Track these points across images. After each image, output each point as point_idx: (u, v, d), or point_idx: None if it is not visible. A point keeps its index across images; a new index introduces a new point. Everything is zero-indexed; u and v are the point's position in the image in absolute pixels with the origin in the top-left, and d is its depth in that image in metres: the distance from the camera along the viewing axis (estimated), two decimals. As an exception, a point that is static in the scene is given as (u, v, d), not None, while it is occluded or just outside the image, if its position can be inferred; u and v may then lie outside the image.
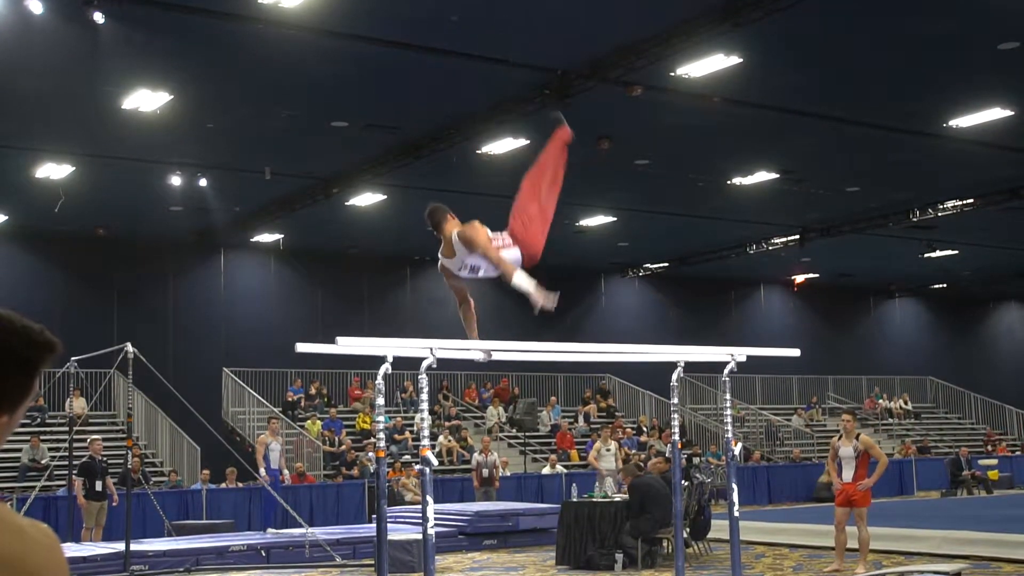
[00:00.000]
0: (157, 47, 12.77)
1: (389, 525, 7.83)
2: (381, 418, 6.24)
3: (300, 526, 14.20)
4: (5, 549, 1.52)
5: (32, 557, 1.55)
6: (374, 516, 7.17)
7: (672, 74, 13.86)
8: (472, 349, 6.41)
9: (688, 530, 12.46)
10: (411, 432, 21.85)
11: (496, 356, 6.36)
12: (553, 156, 6.06)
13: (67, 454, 14.48)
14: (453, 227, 5.88)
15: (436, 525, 6.21)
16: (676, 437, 7.72)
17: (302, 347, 6.31)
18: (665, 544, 12.55)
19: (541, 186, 5.97)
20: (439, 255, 5.94)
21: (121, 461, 17.33)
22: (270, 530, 14.83)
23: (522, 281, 5.49)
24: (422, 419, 5.97)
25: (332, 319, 23.98)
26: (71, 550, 12.48)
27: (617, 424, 25.14)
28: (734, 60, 13.43)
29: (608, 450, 17.62)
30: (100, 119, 15.13)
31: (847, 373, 31.84)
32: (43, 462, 18.61)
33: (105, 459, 15.21)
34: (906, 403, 31.74)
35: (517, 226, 5.88)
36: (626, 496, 13.29)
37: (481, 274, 5.84)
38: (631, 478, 12.60)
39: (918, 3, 12.40)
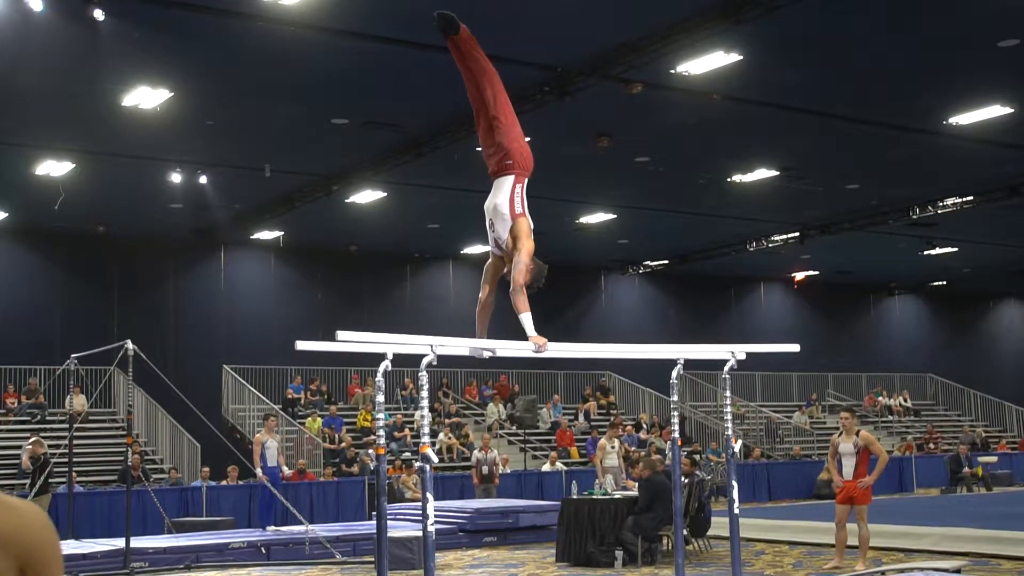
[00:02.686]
0: (157, 44, 12.77)
1: (389, 522, 7.84)
2: (381, 415, 6.24)
3: (300, 523, 14.20)
4: (2, 526, 1.54)
5: (28, 533, 1.56)
6: (374, 513, 7.18)
7: (672, 71, 13.86)
8: (473, 346, 6.41)
9: (688, 527, 12.47)
10: (411, 429, 21.86)
11: (496, 353, 6.36)
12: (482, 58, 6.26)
13: (67, 451, 14.48)
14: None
15: (436, 522, 6.21)
16: (676, 434, 7.72)
17: (302, 345, 6.31)
18: (665, 541, 12.57)
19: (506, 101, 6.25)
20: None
21: (121, 458, 17.36)
22: (270, 527, 14.84)
23: (527, 323, 6.00)
24: (422, 416, 5.97)
25: (332, 316, 23.96)
26: (70, 547, 12.49)
27: (618, 421, 25.13)
28: (734, 57, 13.43)
29: (613, 448, 17.54)
30: (100, 116, 15.13)
31: (847, 370, 31.84)
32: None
33: (47, 453, 15.21)
34: (906, 400, 31.74)
35: (524, 161, 6.23)
36: (627, 493, 13.32)
37: (492, 243, 6.26)
38: (649, 471, 12.60)
39: (918, 0, 12.40)
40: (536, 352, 6.12)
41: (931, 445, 27.26)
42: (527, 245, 6.00)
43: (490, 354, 6.29)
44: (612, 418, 23.94)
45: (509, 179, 6.15)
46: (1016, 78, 14.88)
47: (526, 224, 6.08)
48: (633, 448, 22.20)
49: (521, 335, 6.20)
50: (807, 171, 19.50)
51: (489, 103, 6.16)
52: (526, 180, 6.20)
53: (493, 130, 6.19)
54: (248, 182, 19.03)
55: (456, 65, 6.33)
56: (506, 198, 6.12)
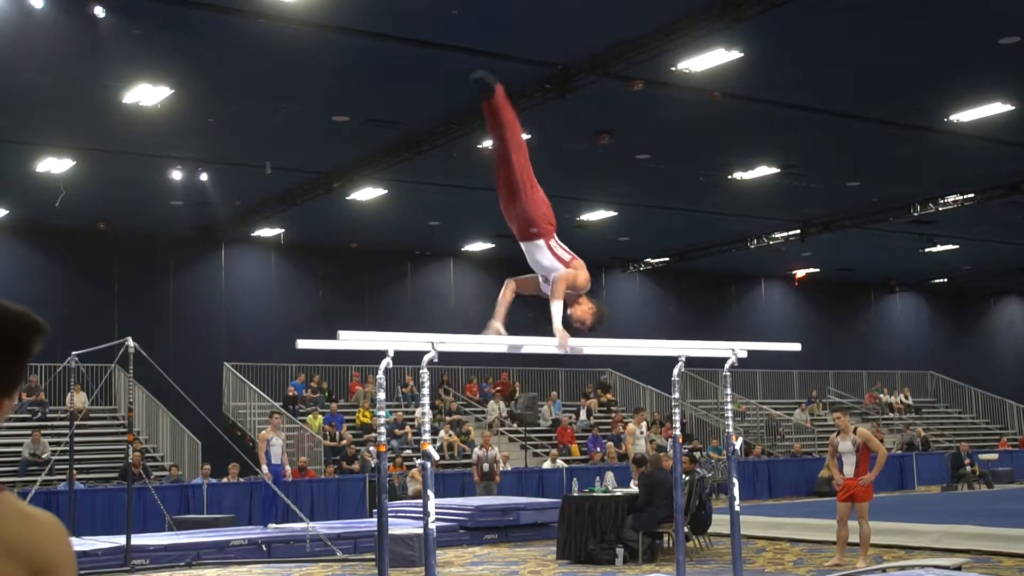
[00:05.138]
0: (158, 41, 12.77)
1: (390, 519, 7.84)
2: (382, 413, 6.23)
3: (301, 521, 14.21)
4: (16, 536, 1.54)
5: (43, 544, 1.56)
6: (375, 511, 7.17)
7: (673, 69, 13.86)
8: (474, 344, 6.42)
9: (689, 525, 12.48)
10: (412, 427, 21.87)
11: (497, 350, 6.36)
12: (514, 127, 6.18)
13: (68, 448, 14.48)
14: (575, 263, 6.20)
15: (437, 520, 6.21)
16: (677, 432, 7.71)
17: (303, 343, 6.30)
18: (666, 538, 12.57)
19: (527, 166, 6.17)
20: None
21: (122, 456, 17.36)
22: (271, 525, 14.84)
23: (556, 313, 6.00)
24: (423, 413, 5.97)
25: (333, 314, 24.00)
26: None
27: (618, 418, 25.15)
28: (735, 55, 13.42)
29: (642, 433, 16.94)
30: (101, 113, 15.12)
31: (848, 368, 31.84)
32: (44, 456, 18.63)
33: None
34: (907, 398, 31.74)
35: (549, 224, 6.16)
36: (628, 490, 13.33)
37: (543, 283, 6.23)
38: (653, 468, 12.61)
39: (919, -3, 12.40)
40: (559, 348, 6.10)
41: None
42: (581, 278, 6.08)
43: (505, 350, 6.30)
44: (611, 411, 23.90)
45: (540, 243, 6.10)
46: (1017, 76, 14.86)
47: (579, 263, 6.12)
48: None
49: (523, 332, 6.19)
50: (808, 168, 19.49)
51: (515, 170, 6.08)
52: (555, 234, 6.18)
53: (515, 195, 6.11)
54: (249, 179, 19.03)
55: (485, 118, 6.23)
56: (549, 257, 6.08)
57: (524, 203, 6.07)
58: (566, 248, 6.19)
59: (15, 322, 1.64)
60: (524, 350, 6.46)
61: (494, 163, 6.24)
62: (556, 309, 5.98)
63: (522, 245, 6.18)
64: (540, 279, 6.23)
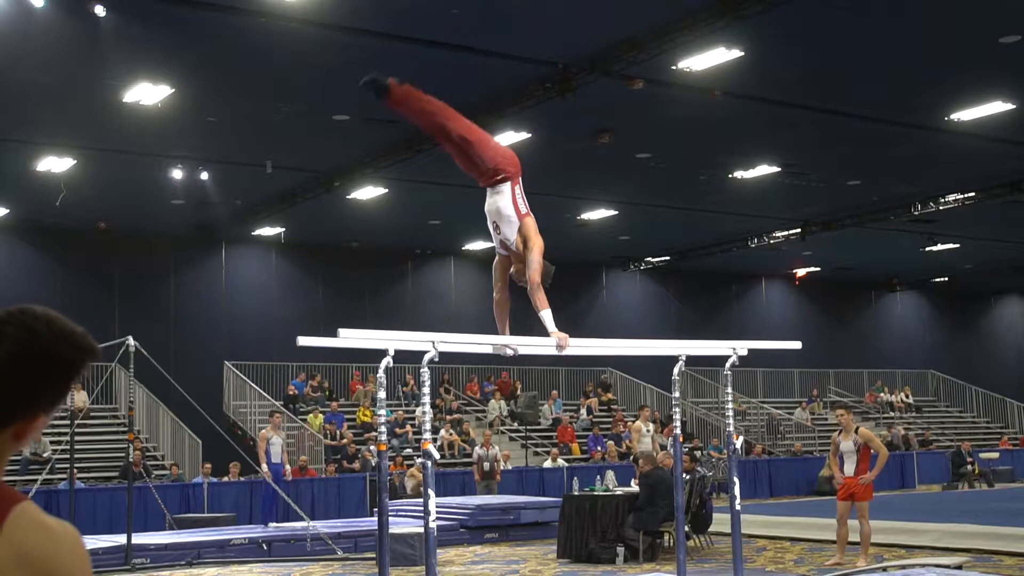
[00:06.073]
0: (158, 40, 12.77)
1: (390, 518, 7.83)
2: (382, 412, 6.24)
3: (302, 520, 14.21)
4: (35, 548, 1.53)
5: (60, 558, 1.55)
6: (375, 510, 7.18)
7: (673, 67, 13.85)
8: (474, 344, 6.42)
9: (689, 523, 12.47)
10: (412, 426, 21.87)
11: (519, 352, 6.36)
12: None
13: (68, 447, 14.48)
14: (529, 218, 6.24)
15: (438, 519, 6.21)
16: (678, 431, 7.72)
17: (304, 340, 6.31)
18: (667, 537, 12.57)
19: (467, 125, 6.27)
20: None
21: (123, 455, 17.37)
22: (271, 524, 14.84)
23: (547, 320, 6.03)
24: (423, 412, 5.97)
25: (333, 313, 23.97)
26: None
27: (619, 417, 25.15)
28: (735, 54, 13.42)
29: (648, 431, 16.71)
30: (101, 112, 15.12)
31: (848, 367, 31.84)
32: (45, 455, 18.63)
33: None
34: (907, 397, 31.73)
35: (512, 165, 6.24)
36: (628, 490, 13.34)
37: (498, 243, 6.28)
38: (650, 466, 12.62)
39: (920, -4, 12.39)
40: (558, 349, 6.12)
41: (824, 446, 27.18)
42: (538, 243, 6.05)
43: (513, 352, 6.30)
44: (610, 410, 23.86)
45: (505, 184, 6.16)
46: (1017, 75, 14.86)
47: (533, 223, 6.12)
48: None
49: (523, 331, 6.19)
50: (808, 167, 19.49)
51: (454, 135, 6.16)
52: (520, 179, 6.23)
53: (467, 153, 6.19)
54: (249, 178, 19.02)
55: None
56: (508, 201, 6.13)
57: (478, 153, 6.18)
58: (525, 199, 6.24)
59: (70, 341, 1.65)
60: (525, 351, 6.45)
61: (435, 139, 6.39)
62: (546, 317, 6.05)
63: (488, 192, 6.25)
64: (497, 243, 6.27)
